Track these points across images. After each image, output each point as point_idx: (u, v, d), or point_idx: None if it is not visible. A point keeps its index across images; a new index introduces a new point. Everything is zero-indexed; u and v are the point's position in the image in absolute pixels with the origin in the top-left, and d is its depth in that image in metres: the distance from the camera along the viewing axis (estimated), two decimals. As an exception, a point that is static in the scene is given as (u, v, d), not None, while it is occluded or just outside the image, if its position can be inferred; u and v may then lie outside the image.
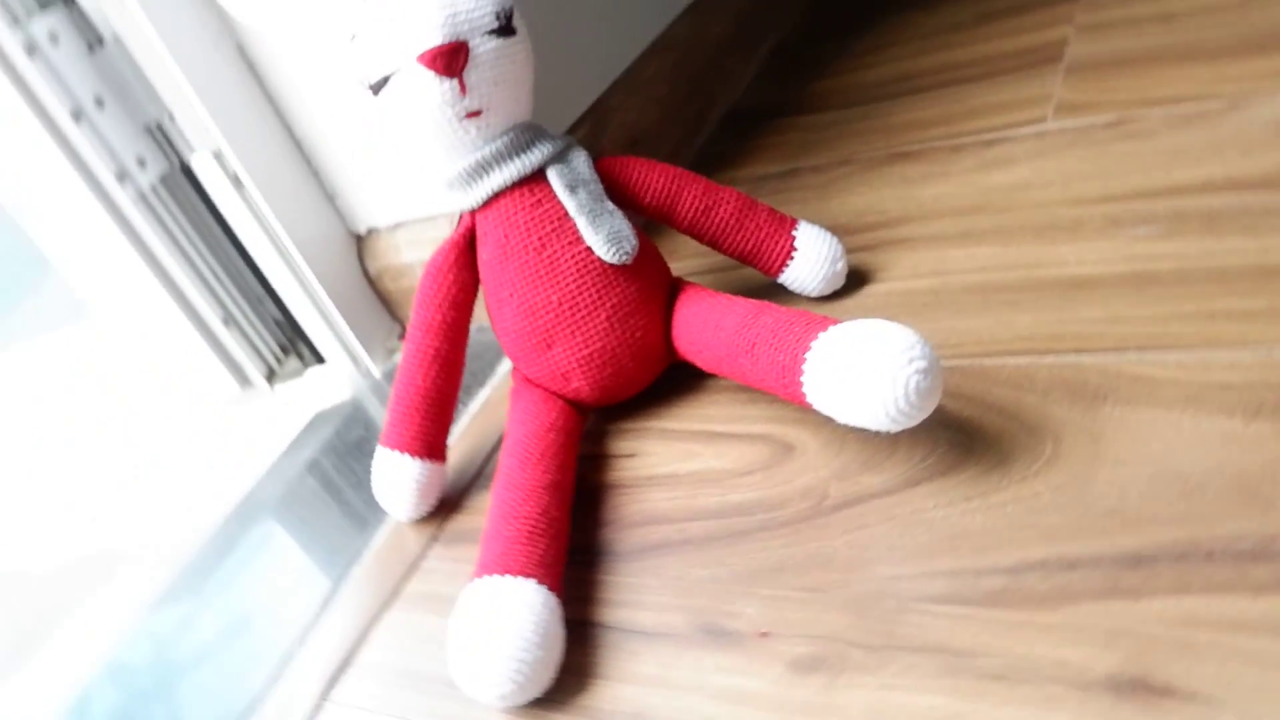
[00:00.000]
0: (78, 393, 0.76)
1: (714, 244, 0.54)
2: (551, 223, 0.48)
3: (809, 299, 0.55)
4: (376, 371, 0.70)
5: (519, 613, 0.40)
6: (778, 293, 0.56)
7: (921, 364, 0.38)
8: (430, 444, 0.51)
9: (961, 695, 0.32)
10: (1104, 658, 0.31)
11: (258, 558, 0.60)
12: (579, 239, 0.49)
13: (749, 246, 0.53)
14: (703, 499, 0.46)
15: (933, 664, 0.34)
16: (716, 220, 0.53)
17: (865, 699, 0.34)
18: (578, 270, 0.48)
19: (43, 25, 0.58)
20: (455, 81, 0.45)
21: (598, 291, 0.49)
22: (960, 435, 0.42)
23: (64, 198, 0.62)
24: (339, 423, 0.68)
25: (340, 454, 0.64)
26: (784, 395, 0.43)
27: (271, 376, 0.72)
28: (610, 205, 0.49)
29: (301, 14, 0.50)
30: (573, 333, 0.49)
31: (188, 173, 0.65)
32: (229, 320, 0.69)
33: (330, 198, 0.67)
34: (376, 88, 0.46)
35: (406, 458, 0.51)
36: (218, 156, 0.62)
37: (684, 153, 0.77)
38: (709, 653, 0.39)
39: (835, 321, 0.41)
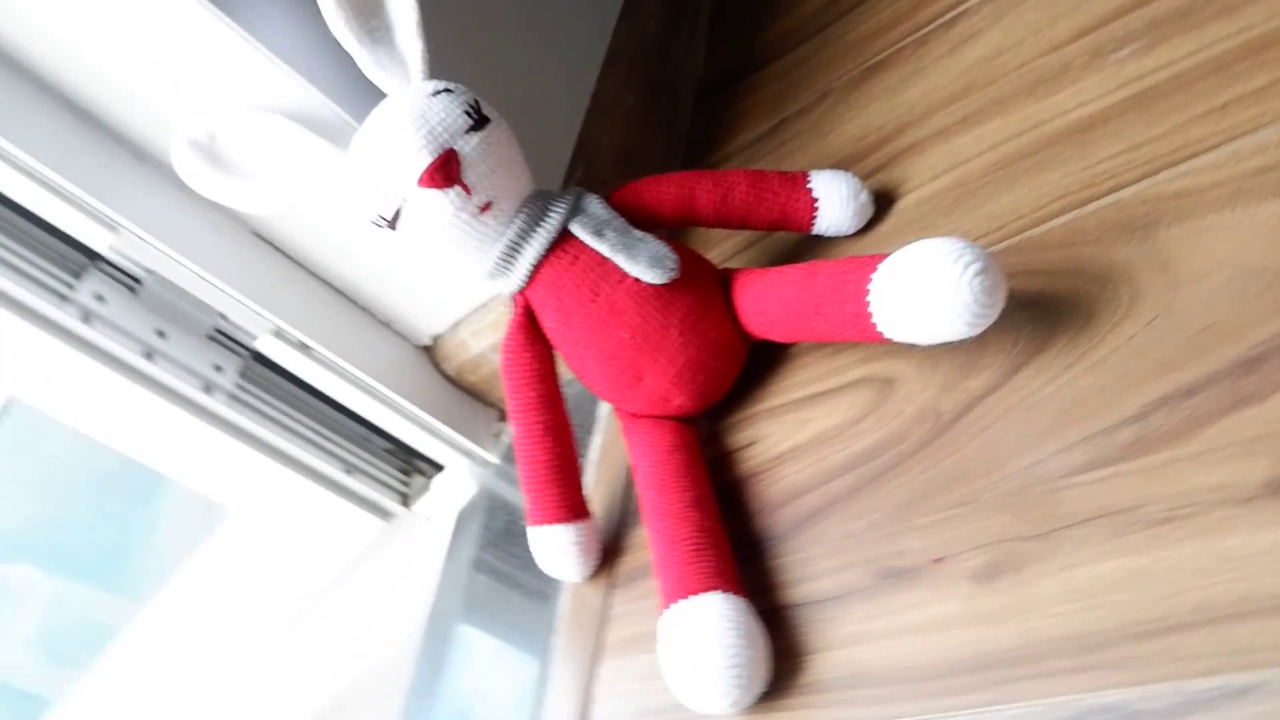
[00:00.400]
0: (248, 583, 0.81)
1: (742, 226, 0.56)
2: (594, 271, 0.51)
3: (849, 237, 0.57)
4: (493, 457, 0.74)
5: (716, 625, 0.43)
6: (818, 242, 0.58)
7: (976, 265, 0.40)
8: (572, 506, 0.55)
9: (1139, 549, 0.34)
10: (1254, 466, 0.33)
11: (465, 661, 0.64)
12: (625, 275, 0.51)
13: (774, 216, 0.56)
14: (832, 458, 0.49)
15: (1101, 531, 0.36)
16: (735, 205, 0.55)
17: (1053, 585, 0.36)
18: (635, 302, 0.51)
19: (86, 291, 0.63)
20: (458, 187, 0.48)
21: (661, 313, 0.51)
22: (1039, 310, 0.44)
23: (164, 423, 0.67)
24: (482, 516, 0.72)
25: (495, 543, 0.68)
26: (865, 340, 0.45)
27: (406, 500, 0.76)
28: (638, 233, 0.52)
29: (300, 188, 0.54)
30: (655, 359, 0.52)
31: (260, 357, 0.70)
32: (350, 469, 0.73)
33: (387, 324, 0.71)
34: (392, 223, 0.49)
35: (557, 528, 0.54)
36: (278, 334, 0.67)
37: (674, 148, 0.79)
38: (895, 595, 0.41)
39: (882, 257, 0.43)
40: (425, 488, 0.79)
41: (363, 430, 0.76)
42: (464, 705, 0.62)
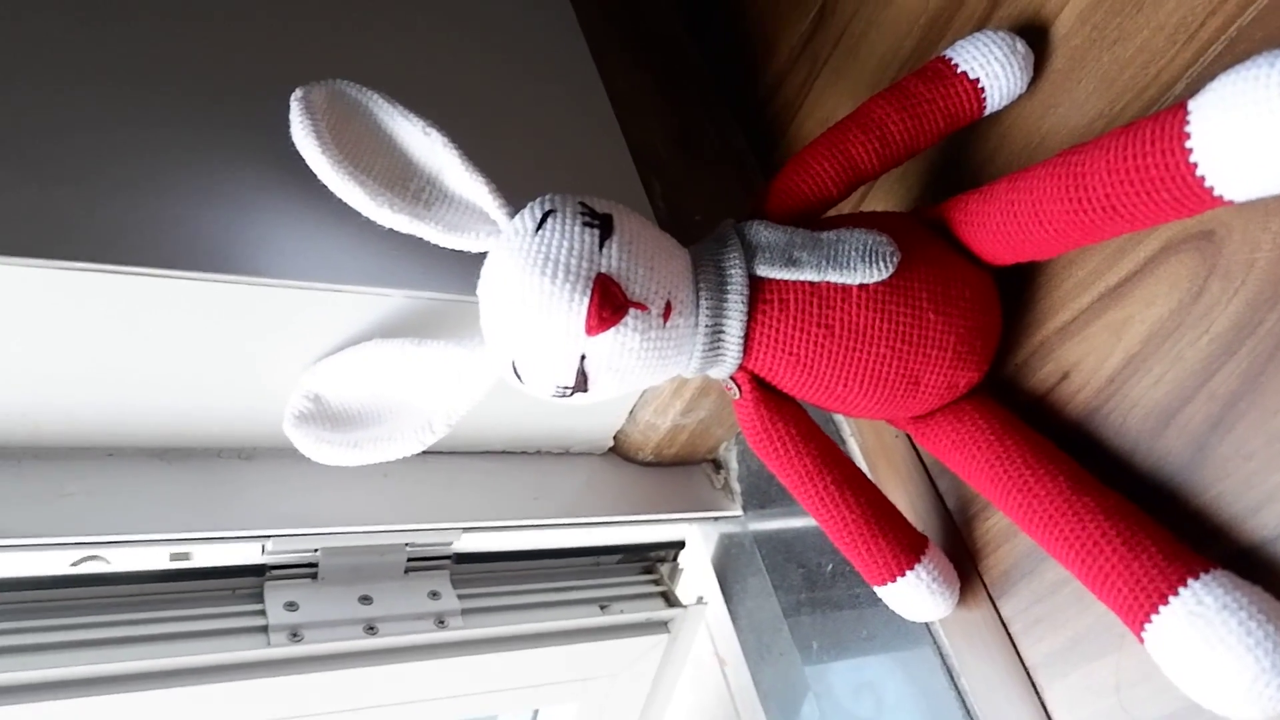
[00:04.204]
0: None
1: (910, 156, 0.47)
2: (812, 305, 0.42)
3: (1023, 98, 0.47)
4: (735, 508, 0.66)
5: (1225, 622, 0.35)
6: (993, 121, 0.48)
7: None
8: (909, 547, 0.47)
9: None
10: None
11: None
12: (846, 288, 0.42)
13: (941, 126, 0.46)
14: (1190, 351, 0.40)
15: None
16: (896, 141, 0.45)
17: None
18: (877, 311, 0.42)
19: (276, 607, 0.55)
20: (632, 310, 0.39)
21: (909, 305, 0.42)
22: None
23: (429, 679, 0.60)
24: (758, 567, 0.64)
25: (794, 584, 0.61)
26: (1187, 216, 0.36)
27: (669, 599, 0.69)
28: (827, 235, 0.43)
29: (444, 403, 0.45)
30: (926, 355, 0.43)
31: (463, 556, 0.62)
32: (604, 605, 0.66)
33: (565, 451, 0.63)
34: (579, 385, 0.41)
35: (909, 576, 0.46)
36: (465, 529, 0.59)
37: (711, 98, 0.68)
38: None
39: (1179, 119, 0.33)
40: (675, 570, 0.72)
41: (589, 560, 0.68)
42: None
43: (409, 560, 0.61)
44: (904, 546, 0.47)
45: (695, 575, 0.70)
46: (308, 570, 0.58)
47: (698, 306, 0.42)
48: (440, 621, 0.60)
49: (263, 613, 0.56)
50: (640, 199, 0.58)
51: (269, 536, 0.54)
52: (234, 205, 0.44)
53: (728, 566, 0.69)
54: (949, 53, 0.46)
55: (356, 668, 0.56)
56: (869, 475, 0.55)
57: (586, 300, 0.38)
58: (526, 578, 0.65)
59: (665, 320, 0.40)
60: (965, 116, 0.46)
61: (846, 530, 0.46)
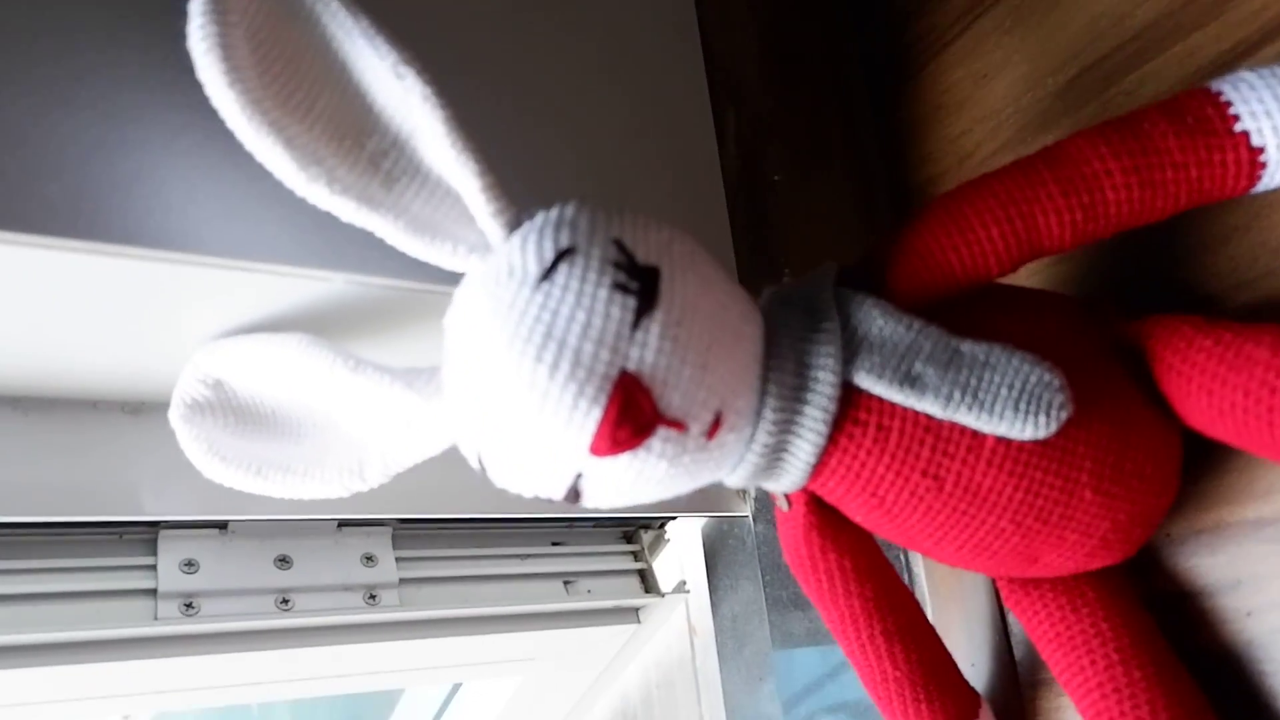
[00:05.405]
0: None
1: (1120, 232, 0.31)
2: (924, 446, 0.29)
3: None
4: (744, 509, 0.55)
5: None
6: (1243, 208, 0.33)
7: None
8: (956, 713, 0.36)
9: None
10: None
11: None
12: (977, 437, 0.29)
13: (1182, 198, 0.30)
14: None
15: None
16: (1109, 208, 0.30)
17: None
18: (1006, 474, 0.29)
19: (171, 566, 0.45)
20: (662, 429, 0.26)
21: (1055, 476, 0.29)
22: None
23: (352, 660, 0.51)
24: (758, 582, 0.54)
25: (805, 640, 0.51)
26: None
27: (647, 578, 0.59)
28: (972, 349, 0.28)
29: (383, 449, 0.33)
30: (1060, 537, 0.30)
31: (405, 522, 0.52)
32: (569, 581, 0.56)
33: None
34: (568, 499, 0.29)
35: (949, 752, 0.36)
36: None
37: (828, 6, 0.50)
38: None
39: None
40: (660, 542, 0.61)
41: (559, 523, 0.58)
42: None
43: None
44: (950, 714, 0.36)
45: (681, 552, 0.60)
46: (216, 520, 0.47)
47: (759, 416, 0.29)
48: (371, 596, 0.50)
49: (153, 569, 0.45)
50: (708, 139, 0.42)
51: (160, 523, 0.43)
52: (102, 115, 0.29)
53: (719, 553, 0.59)
54: (1226, 90, 0.29)
55: (259, 650, 0.47)
56: (922, 583, 0.43)
57: (599, 411, 0.25)
58: (482, 540, 0.55)
59: (710, 438, 0.27)
60: (1218, 194, 0.30)
61: (884, 686, 0.36)
